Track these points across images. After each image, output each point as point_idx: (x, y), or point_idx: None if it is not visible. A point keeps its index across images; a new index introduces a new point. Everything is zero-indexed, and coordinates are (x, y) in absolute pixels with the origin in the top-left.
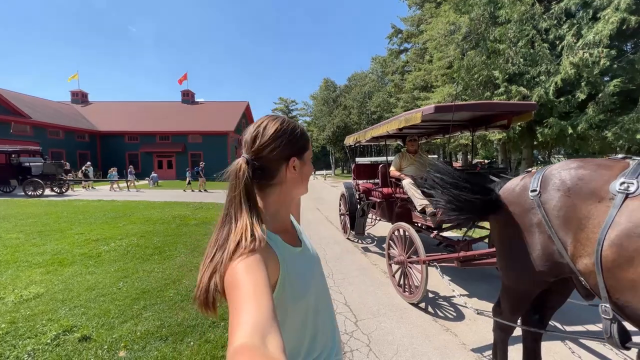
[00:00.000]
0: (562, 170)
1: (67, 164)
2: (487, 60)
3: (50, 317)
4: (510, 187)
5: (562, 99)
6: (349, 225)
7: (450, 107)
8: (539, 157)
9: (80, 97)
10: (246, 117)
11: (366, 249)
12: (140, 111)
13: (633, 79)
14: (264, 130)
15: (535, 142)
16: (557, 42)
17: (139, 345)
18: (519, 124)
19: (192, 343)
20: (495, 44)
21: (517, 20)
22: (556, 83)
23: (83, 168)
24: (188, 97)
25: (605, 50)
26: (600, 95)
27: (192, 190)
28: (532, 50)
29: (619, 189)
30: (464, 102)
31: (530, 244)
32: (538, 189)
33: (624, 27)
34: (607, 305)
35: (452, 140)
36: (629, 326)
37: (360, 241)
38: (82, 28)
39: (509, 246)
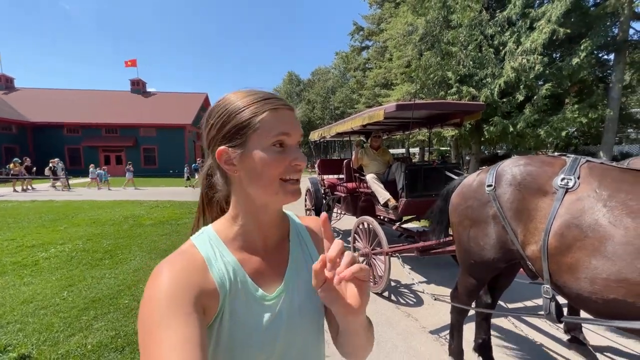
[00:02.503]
0: (513, 167)
1: (27, 159)
2: (441, 61)
3: None
4: (468, 183)
5: (504, 99)
6: None
7: (410, 105)
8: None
9: (3, 82)
10: (205, 110)
11: None
12: (82, 100)
13: (561, 83)
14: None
15: (482, 139)
16: (501, 48)
17: (91, 359)
18: (469, 122)
19: None
20: (448, 46)
21: (467, 25)
22: (500, 85)
23: (50, 164)
24: (138, 86)
25: (539, 57)
26: (535, 97)
27: (193, 187)
28: (480, 54)
29: (560, 185)
30: (423, 101)
31: (486, 234)
32: (493, 184)
33: (554, 37)
34: (548, 287)
35: (410, 136)
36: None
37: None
38: None
39: (467, 236)
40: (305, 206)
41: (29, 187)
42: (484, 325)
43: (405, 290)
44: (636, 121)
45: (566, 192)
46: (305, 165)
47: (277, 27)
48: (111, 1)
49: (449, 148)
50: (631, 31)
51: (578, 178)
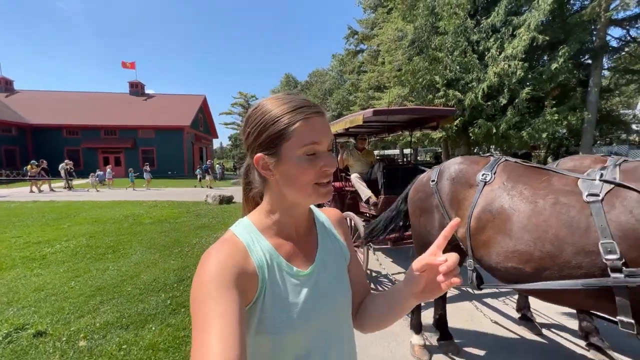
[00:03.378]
0: (451, 165)
1: (44, 161)
2: (429, 66)
3: None
4: (420, 179)
5: (489, 103)
6: None
7: (386, 111)
8: (480, 152)
9: (3, 85)
10: (203, 112)
11: None
12: (82, 103)
13: (542, 87)
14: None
15: (470, 141)
16: (486, 53)
17: (99, 335)
18: (455, 124)
19: (153, 328)
20: (436, 52)
21: (453, 32)
22: (483, 89)
23: (67, 166)
24: (137, 88)
25: (520, 62)
26: (516, 100)
27: (210, 187)
28: (465, 59)
29: (481, 179)
30: (398, 107)
31: (432, 220)
32: (435, 179)
33: (534, 43)
34: (471, 260)
35: (401, 138)
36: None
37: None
38: None
39: (418, 223)
40: None
41: (48, 188)
42: (440, 303)
43: (384, 280)
44: (613, 122)
45: (485, 184)
46: (335, 168)
47: (276, 29)
48: (109, 2)
49: (440, 149)
50: (612, 36)
51: (494, 173)
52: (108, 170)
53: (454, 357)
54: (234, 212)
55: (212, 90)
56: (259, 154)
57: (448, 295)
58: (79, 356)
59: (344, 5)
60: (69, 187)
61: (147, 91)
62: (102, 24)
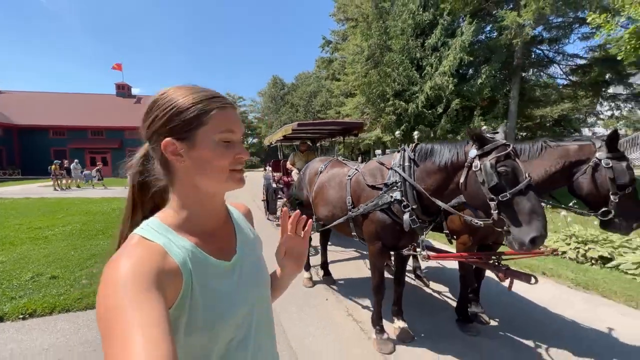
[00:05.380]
0: (311, 162)
1: (66, 161)
2: (381, 79)
3: (21, 269)
4: (305, 167)
5: (430, 111)
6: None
7: (307, 124)
8: None
9: None
10: None
11: (278, 225)
12: (68, 103)
13: (472, 98)
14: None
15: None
16: (427, 69)
17: (96, 277)
18: (401, 129)
19: None
20: (386, 67)
21: (399, 50)
22: (422, 100)
23: (72, 165)
24: (123, 89)
25: (450, 78)
26: (449, 109)
27: None
28: (410, 74)
29: (321, 169)
30: (316, 121)
31: (302, 193)
32: (304, 170)
33: (462, 63)
34: (315, 217)
35: (361, 140)
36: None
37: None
38: None
39: (303, 196)
40: (262, 198)
41: (69, 187)
42: (324, 253)
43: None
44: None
45: (321, 173)
46: (248, 157)
47: (264, 31)
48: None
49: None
50: (542, 51)
51: (325, 167)
52: (93, 170)
53: (332, 286)
54: None
55: None
56: (167, 139)
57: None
58: (82, 287)
59: (331, 7)
60: (103, 186)
61: (133, 92)
62: (90, 22)
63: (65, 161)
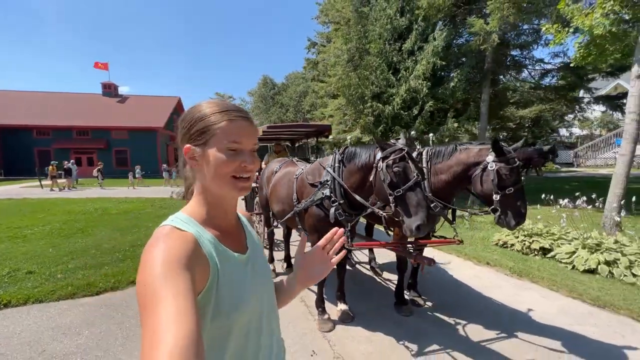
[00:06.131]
0: (272, 163)
1: (66, 162)
2: (359, 81)
3: None
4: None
5: (406, 113)
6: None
7: (276, 126)
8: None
9: None
10: (178, 113)
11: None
12: (52, 103)
13: (446, 101)
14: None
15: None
16: (403, 72)
17: (70, 272)
18: (379, 130)
19: (107, 269)
20: (364, 70)
21: (377, 54)
22: (397, 102)
23: (66, 165)
24: (110, 89)
25: (424, 82)
26: (423, 111)
27: (171, 186)
28: (386, 76)
29: (276, 170)
30: (284, 124)
31: (262, 192)
32: (264, 167)
33: (435, 67)
34: (270, 211)
35: (342, 140)
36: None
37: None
38: None
39: (259, 194)
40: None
41: (69, 187)
42: (288, 246)
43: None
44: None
45: (276, 172)
46: (257, 167)
47: (255, 31)
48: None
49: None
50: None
51: (280, 167)
52: (95, 170)
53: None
54: None
55: (191, 90)
56: (187, 145)
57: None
58: (56, 281)
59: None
60: (100, 186)
61: (120, 92)
62: (76, 18)
63: (66, 162)
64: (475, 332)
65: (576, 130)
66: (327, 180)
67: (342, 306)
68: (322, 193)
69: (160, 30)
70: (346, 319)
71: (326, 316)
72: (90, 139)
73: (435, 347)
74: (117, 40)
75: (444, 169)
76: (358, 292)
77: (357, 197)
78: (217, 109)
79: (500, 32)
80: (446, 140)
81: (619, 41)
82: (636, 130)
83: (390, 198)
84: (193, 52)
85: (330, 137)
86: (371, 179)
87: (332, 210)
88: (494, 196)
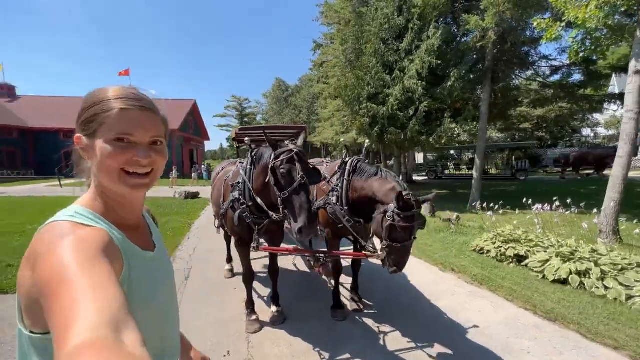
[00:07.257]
0: (220, 164)
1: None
2: (356, 82)
3: None
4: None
5: (402, 113)
6: None
7: (247, 128)
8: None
9: (6, 91)
10: (194, 116)
11: None
12: (78, 107)
13: (444, 101)
14: None
15: (385, 144)
16: (399, 72)
17: None
18: (375, 131)
19: None
20: (359, 70)
21: (371, 54)
22: (392, 103)
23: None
24: None
25: (419, 82)
26: (418, 112)
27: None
28: (382, 77)
29: (218, 171)
30: (257, 126)
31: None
32: (220, 169)
33: (431, 66)
34: (222, 206)
35: (338, 142)
36: None
37: None
38: None
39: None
40: None
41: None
42: None
43: None
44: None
45: (218, 174)
46: (160, 162)
47: (271, 33)
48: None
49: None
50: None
51: (222, 168)
52: None
53: None
54: (194, 205)
55: (204, 94)
56: (77, 134)
57: None
58: None
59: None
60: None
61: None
62: (103, 26)
63: None
64: (398, 340)
65: (601, 130)
66: (239, 182)
67: (274, 308)
68: (232, 195)
69: (162, 30)
70: (277, 321)
71: (254, 317)
72: None
73: (347, 355)
74: (132, 43)
75: (358, 188)
76: (307, 295)
77: (258, 200)
78: (113, 95)
79: (499, 29)
80: (442, 141)
81: (615, 34)
82: (634, 130)
83: (279, 200)
84: (193, 52)
85: (330, 138)
86: (266, 180)
87: (237, 212)
88: (382, 243)
